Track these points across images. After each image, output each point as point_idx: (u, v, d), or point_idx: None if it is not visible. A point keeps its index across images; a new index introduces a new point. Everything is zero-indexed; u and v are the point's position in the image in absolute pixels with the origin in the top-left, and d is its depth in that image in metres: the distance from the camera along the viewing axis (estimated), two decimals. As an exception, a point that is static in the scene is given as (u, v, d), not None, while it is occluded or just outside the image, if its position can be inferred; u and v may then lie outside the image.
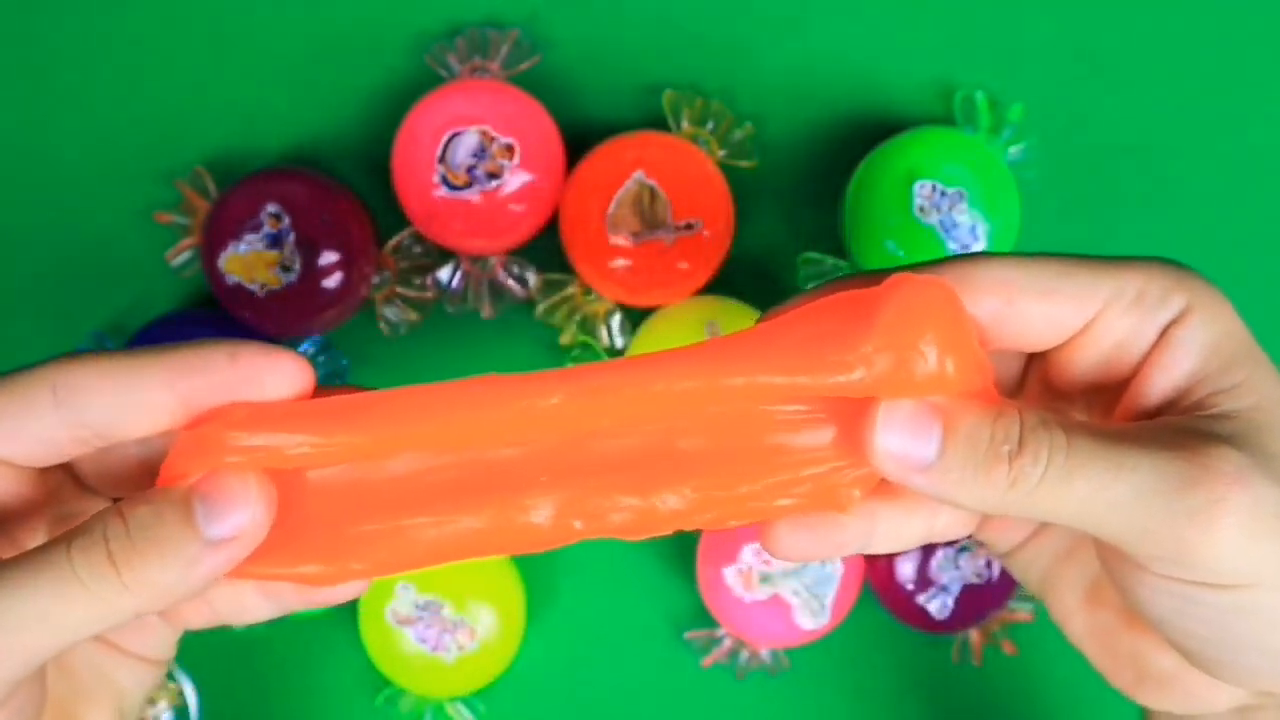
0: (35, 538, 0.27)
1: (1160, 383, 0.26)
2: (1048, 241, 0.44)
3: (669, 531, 0.26)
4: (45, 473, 0.26)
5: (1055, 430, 0.24)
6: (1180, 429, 0.25)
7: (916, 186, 0.41)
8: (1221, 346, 0.26)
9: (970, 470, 0.24)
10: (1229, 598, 0.24)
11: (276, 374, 0.24)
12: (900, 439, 0.24)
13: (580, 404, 0.25)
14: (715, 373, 0.25)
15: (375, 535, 0.25)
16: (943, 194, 0.41)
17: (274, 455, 0.24)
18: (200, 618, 0.29)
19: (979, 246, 0.41)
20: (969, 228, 0.41)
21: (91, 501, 0.28)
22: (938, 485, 0.25)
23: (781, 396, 0.25)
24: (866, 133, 0.44)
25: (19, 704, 0.24)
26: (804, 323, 0.25)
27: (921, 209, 0.41)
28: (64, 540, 0.23)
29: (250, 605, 0.28)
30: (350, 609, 0.44)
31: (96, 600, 0.23)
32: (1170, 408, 0.26)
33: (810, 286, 0.28)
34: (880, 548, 0.27)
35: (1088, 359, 0.26)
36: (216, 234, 0.42)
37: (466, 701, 0.44)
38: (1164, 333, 0.26)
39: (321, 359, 0.45)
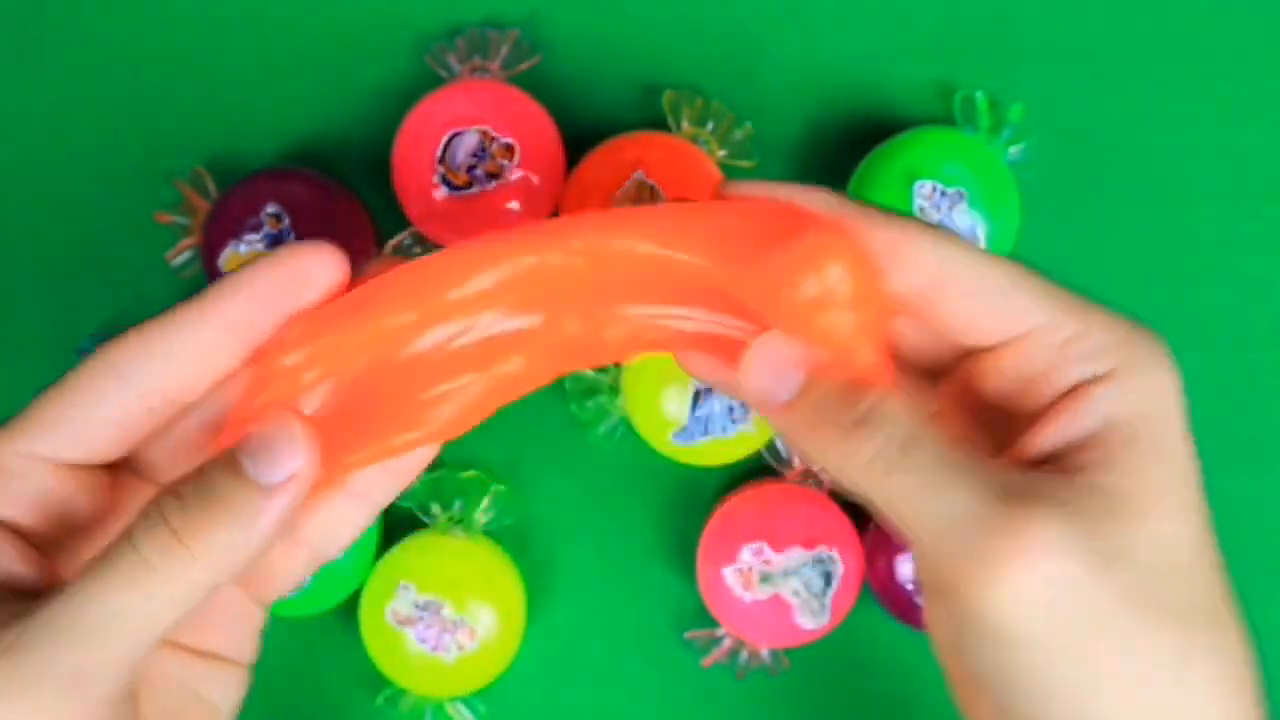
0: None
1: (1051, 435, 0.25)
2: (1047, 241, 0.44)
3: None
4: (115, 474, 0.25)
5: (902, 424, 0.24)
6: (1033, 485, 0.24)
7: (916, 186, 0.41)
8: (1131, 424, 0.25)
9: (811, 425, 0.25)
10: (990, 650, 0.24)
11: (321, 264, 0.25)
12: (765, 374, 0.26)
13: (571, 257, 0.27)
14: (668, 244, 0.27)
15: (439, 398, 0.26)
16: (943, 194, 0.41)
17: (326, 362, 0.25)
18: (295, 564, 0.28)
19: (979, 247, 0.41)
20: (969, 228, 0.41)
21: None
22: (784, 426, 0.26)
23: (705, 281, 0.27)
24: (866, 133, 0.44)
25: None
26: (746, 219, 0.27)
27: (921, 209, 0.41)
28: (125, 534, 0.23)
29: (342, 519, 0.27)
30: (350, 609, 0.44)
31: (170, 580, 0.22)
32: (1054, 461, 0.25)
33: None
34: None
35: (1001, 378, 0.26)
36: (216, 234, 0.42)
37: (466, 701, 0.44)
38: (1078, 386, 0.25)
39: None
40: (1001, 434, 0.27)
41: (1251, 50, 0.45)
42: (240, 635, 0.28)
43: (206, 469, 0.23)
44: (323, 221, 0.42)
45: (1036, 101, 0.44)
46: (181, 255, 0.44)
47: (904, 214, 0.27)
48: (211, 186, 0.44)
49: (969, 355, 0.28)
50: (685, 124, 0.43)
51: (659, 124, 0.44)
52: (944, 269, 0.25)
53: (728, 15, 0.45)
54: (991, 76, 0.44)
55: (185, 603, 0.23)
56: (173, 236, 0.45)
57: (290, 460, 0.23)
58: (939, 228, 0.26)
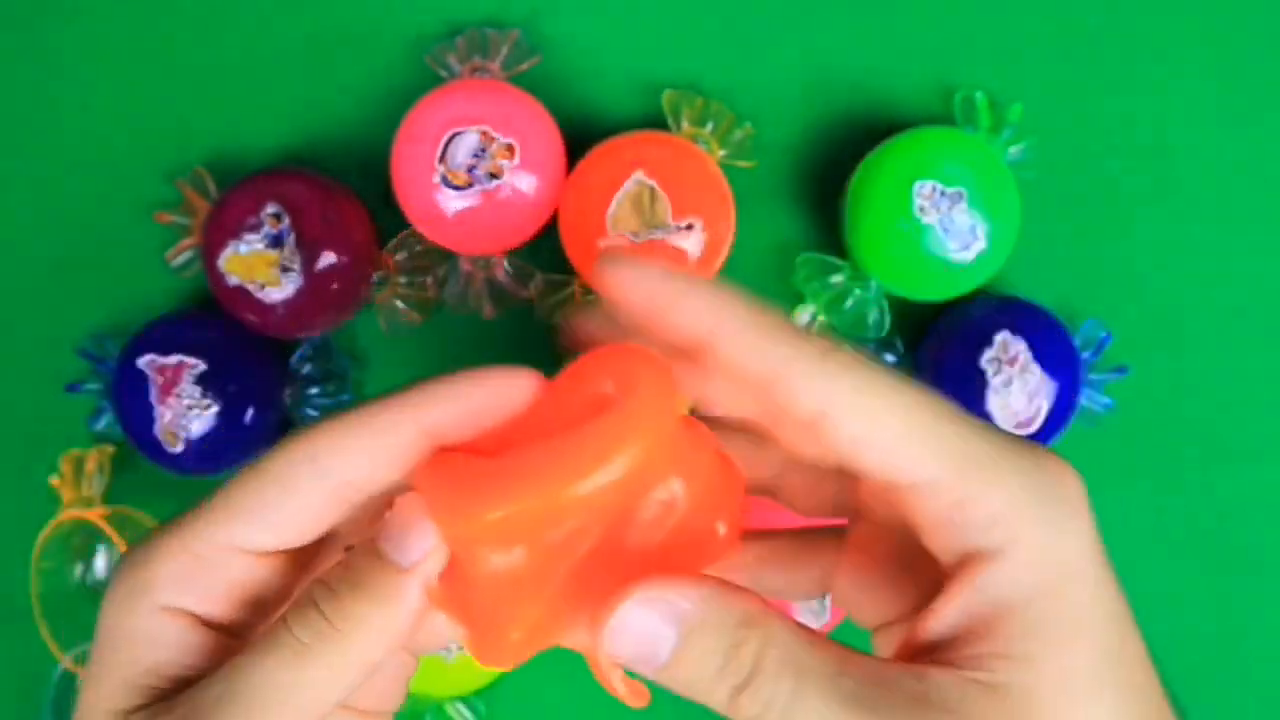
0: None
1: (942, 619, 0.24)
2: (1047, 241, 0.44)
3: None
4: (300, 550, 0.26)
5: (784, 677, 0.23)
6: (926, 698, 0.23)
7: (916, 186, 0.41)
8: (1025, 607, 0.23)
9: (695, 686, 0.24)
10: None
11: (517, 387, 0.25)
12: (632, 645, 0.24)
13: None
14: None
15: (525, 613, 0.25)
16: (943, 194, 0.41)
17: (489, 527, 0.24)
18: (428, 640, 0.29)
19: (979, 246, 0.41)
20: (969, 227, 0.41)
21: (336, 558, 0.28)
22: (663, 682, 0.25)
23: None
24: (866, 133, 0.44)
25: None
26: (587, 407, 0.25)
27: (921, 209, 0.41)
28: (281, 620, 0.23)
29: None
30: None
31: (323, 659, 0.23)
32: (950, 649, 0.24)
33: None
34: None
35: (907, 516, 0.25)
36: (217, 234, 0.42)
37: (466, 701, 0.44)
38: (970, 557, 0.24)
39: (321, 358, 0.45)
40: (913, 571, 0.26)
41: (1251, 51, 0.45)
42: (394, 688, 0.29)
43: (350, 557, 0.24)
44: (323, 221, 0.42)
45: (1036, 101, 0.44)
46: (181, 255, 0.44)
47: (806, 337, 0.24)
48: (211, 186, 0.44)
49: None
50: (685, 124, 0.43)
51: (659, 124, 0.44)
52: (828, 411, 0.23)
53: (728, 15, 0.45)
54: (991, 76, 0.44)
55: (343, 680, 0.24)
56: (173, 236, 0.45)
57: (424, 537, 0.24)
58: (847, 352, 0.24)
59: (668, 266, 0.25)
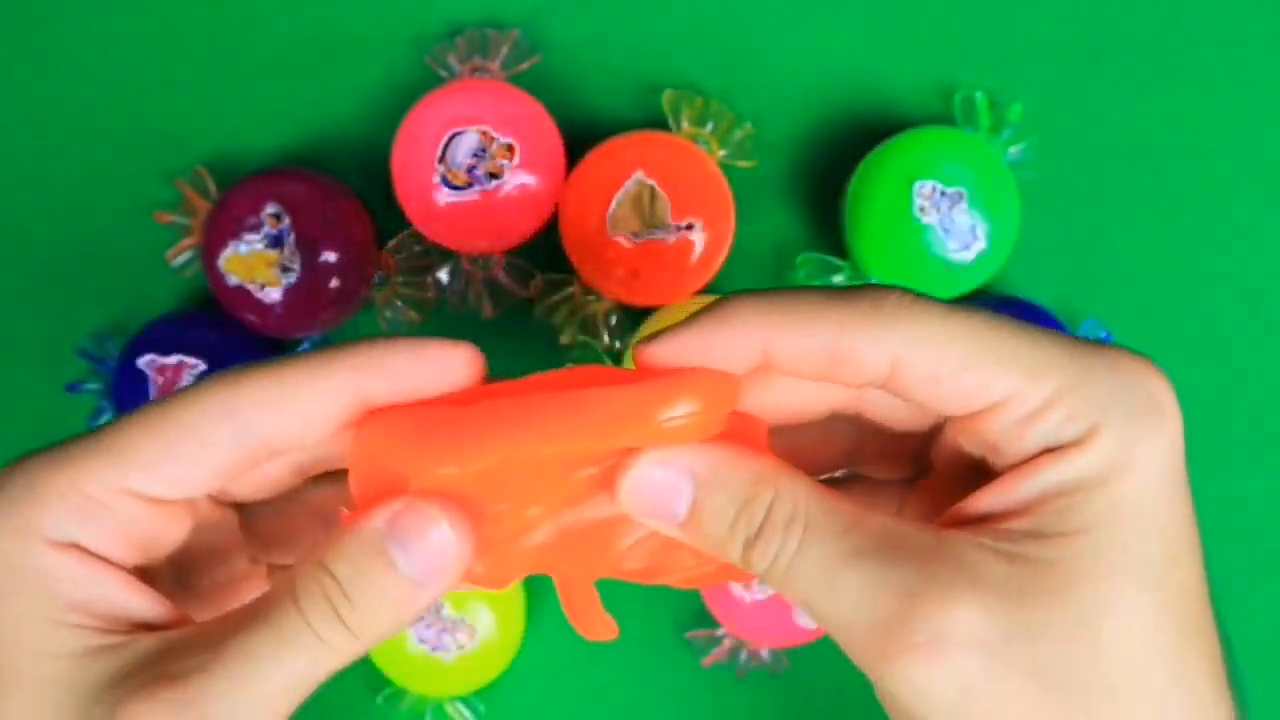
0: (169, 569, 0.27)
1: (990, 499, 0.24)
2: (1047, 241, 0.44)
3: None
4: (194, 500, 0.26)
5: (793, 530, 0.23)
6: (948, 554, 0.23)
7: (916, 186, 0.41)
8: (1081, 493, 0.23)
9: (713, 542, 0.24)
10: None
11: (455, 364, 0.24)
12: (648, 499, 0.24)
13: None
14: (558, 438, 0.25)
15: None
16: (943, 194, 0.41)
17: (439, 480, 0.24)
18: None
19: (979, 246, 0.41)
20: (969, 227, 0.41)
21: (224, 512, 0.28)
22: (687, 539, 0.25)
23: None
24: (866, 133, 0.44)
25: None
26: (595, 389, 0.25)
27: (921, 209, 0.41)
28: (289, 602, 0.23)
29: None
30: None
31: (335, 651, 0.23)
32: (980, 521, 0.24)
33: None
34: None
35: (975, 445, 0.25)
36: (217, 234, 0.42)
37: (466, 701, 0.44)
38: (1041, 454, 0.23)
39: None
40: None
41: (1251, 50, 0.45)
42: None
43: (359, 553, 0.23)
44: (323, 221, 0.42)
45: (1036, 101, 0.44)
46: (181, 255, 0.44)
47: (853, 294, 0.24)
48: (211, 186, 0.44)
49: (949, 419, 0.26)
50: (685, 124, 0.43)
51: (659, 124, 0.44)
52: (898, 360, 0.23)
53: (728, 15, 0.45)
54: (991, 76, 0.44)
55: (339, 668, 0.24)
56: (173, 236, 0.45)
57: (439, 557, 0.24)
58: (892, 301, 0.24)
59: (689, 323, 0.25)
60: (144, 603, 0.24)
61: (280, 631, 0.23)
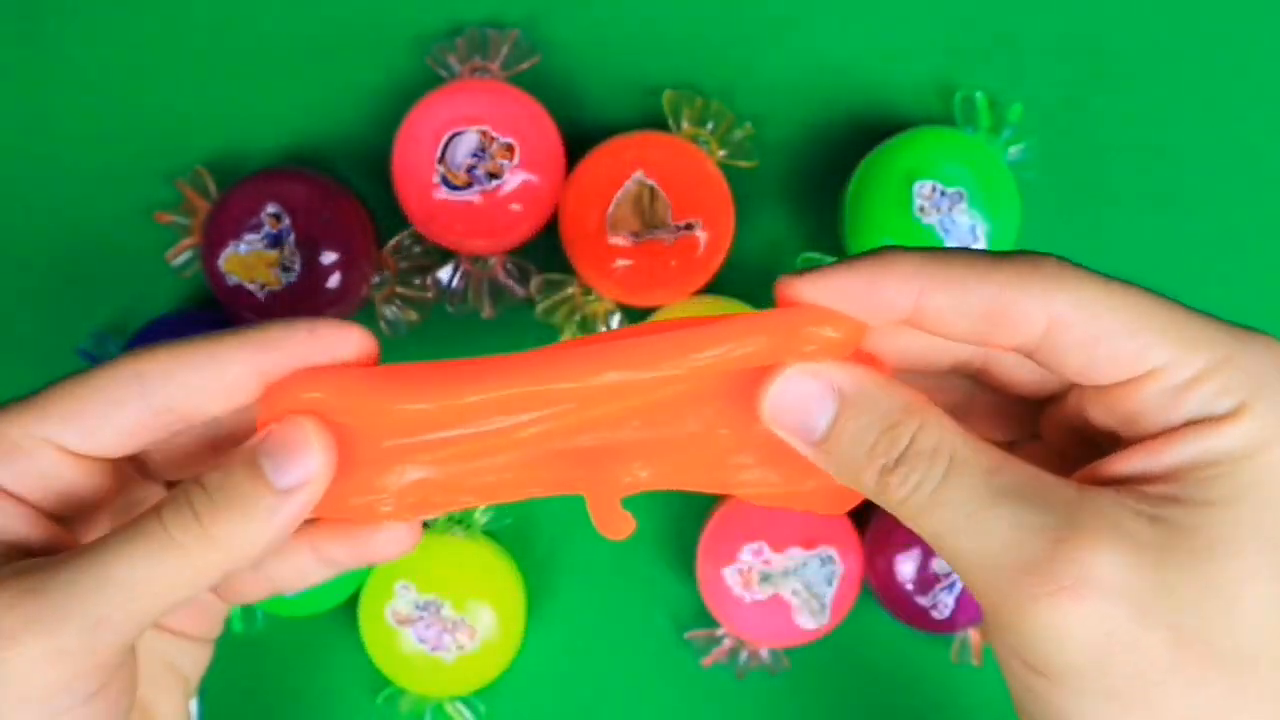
0: (102, 528, 0.28)
1: (1138, 461, 0.24)
2: (1047, 241, 0.44)
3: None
4: (116, 464, 0.27)
5: (937, 462, 0.23)
6: (1092, 506, 0.23)
7: (916, 186, 0.41)
8: (1229, 462, 0.23)
9: (846, 464, 0.25)
10: (1035, 685, 0.23)
11: (348, 343, 0.26)
12: (792, 411, 0.25)
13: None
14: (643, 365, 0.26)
15: (421, 484, 0.27)
16: (943, 194, 0.41)
17: (338, 409, 0.26)
18: (258, 589, 0.30)
19: (979, 246, 0.41)
20: (969, 228, 0.41)
21: (152, 489, 0.29)
22: (818, 460, 0.25)
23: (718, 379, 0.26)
24: (866, 133, 0.44)
25: (119, 688, 0.25)
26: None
27: (921, 209, 0.41)
28: (154, 511, 0.24)
29: (306, 570, 0.29)
30: (350, 609, 0.44)
31: (191, 560, 0.24)
32: (1132, 483, 0.24)
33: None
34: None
35: (1113, 414, 0.25)
36: (216, 234, 0.42)
37: (466, 701, 0.44)
38: (1190, 423, 0.23)
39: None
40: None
41: (1251, 50, 0.45)
42: (209, 619, 0.31)
43: (231, 464, 0.25)
44: (323, 221, 0.42)
45: (1036, 101, 0.44)
46: (181, 255, 0.44)
47: (1010, 256, 0.24)
48: (211, 186, 0.44)
49: (1080, 387, 0.26)
50: (685, 124, 0.43)
51: (659, 124, 0.44)
52: (1057, 321, 0.24)
53: (728, 15, 0.45)
54: (991, 76, 0.44)
55: (203, 581, 0.25)
56: (173, 236, 0.45)
57: (303, 466, 0.25)
58: (1051, 264, 0.24)
59: (846, 264, 0.25)
60: (40, 533, 0.25)
61: (136, 535, 0.24)
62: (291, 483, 0.25)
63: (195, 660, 0.31)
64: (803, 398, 0.25)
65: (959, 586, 0.42)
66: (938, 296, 0.24)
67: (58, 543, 0.26)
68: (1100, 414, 0.25)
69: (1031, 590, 0.22)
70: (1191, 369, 0.24)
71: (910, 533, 0.42)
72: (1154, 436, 0.24)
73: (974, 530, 0.23)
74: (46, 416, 0.25)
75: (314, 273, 0.42)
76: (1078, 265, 0.25)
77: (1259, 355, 0.24)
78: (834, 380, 0.25)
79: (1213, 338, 0.24)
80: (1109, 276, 0.25)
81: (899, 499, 0.24)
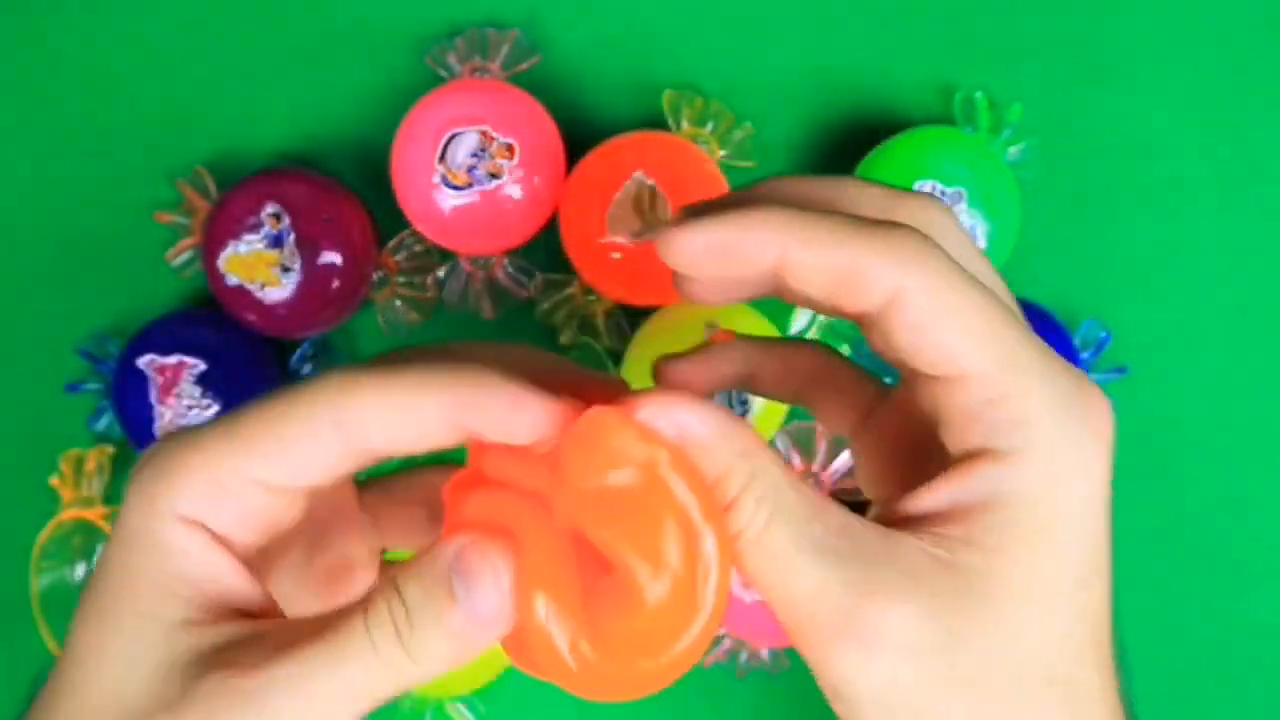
0: (295, 553, 0.28)
1: (933, 498, 0.25)
2: (1047, 240, 0.44)
3: None
4: (312, 490, 0.26)
5: (761, 511, 0.24)
6: (890, 554, 0.24)
7: (916, 186, 0.41)
8: (1016, 507, 0.24)
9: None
10: (848, 715, 0.25)
11: (536, 421, 0.25)
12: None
13: None
14: None
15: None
16: (943, 194, 0.41)
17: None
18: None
19: (979, 246, 0.41)
20: (969, 227, 0.41)
21: (344, 498, 0.29)
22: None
23: None
24: (866, 133, 0.44)
25: None
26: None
27: (921, 209, 0.41)
28: (359, 619, 0.24)
29: None
30: (350, 609, 0.44)
31: (392, 671, 0.24)
32: (930, 523, 0.25)
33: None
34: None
35: (932, 408, 0.26)
36: (217, 234, 0.42)
37: (466, 701, 0.44)
38: (982, 451, 0.24)
39: (321, 359, 0.45)
40: (922, 463, 0.27)
41: (1250, 50, 0.45)
42: None
43: (426, 579, 0.24)
44: (323, 221, 0.42)
45: (1036, 101, 0.44)
46: (182, 255, 0.44)
47: (876, 224, 0.25)
48: (211, 186, 0.44)
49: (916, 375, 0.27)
50: (685, 124, 0.43)
51: (659, 124, 0.44)
52: (899, 295, 0.24)
53: (728, 15, 0.45)
54: (991, 76, 0.44)
55: (398, 691, 0.24)
56: (173, 236, 0.45)
57: (490, 605, 0.24)
58: (913, 240, 0.24)
59: (719, 215, 0.25)
60: (246, 590, 0.25)
61: (344, 642, 0.23)
62: (485, 614, 0.24)
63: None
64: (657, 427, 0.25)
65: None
66: (801, 255, 0.24)
67: (256, 595, 0.25)
68: (922, 402, 0.26)
69: (830, 637, 0.24)
70: (996, 389, 0.24)
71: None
72: (954, 465, 0.25)
73: (787, 577, 0.24)
74: (251, 455, 0.24)
75: (314, 273, 0.42)
76: (941, 250, 0.24)
77: (1060, 394, 0.25)
78: (681, 420, 0.25)
79: (1028, 365, 0.24)
80: (967, 274, 0.25)
81: (732, 534, 0.25)
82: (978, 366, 0.24)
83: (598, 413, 0.24)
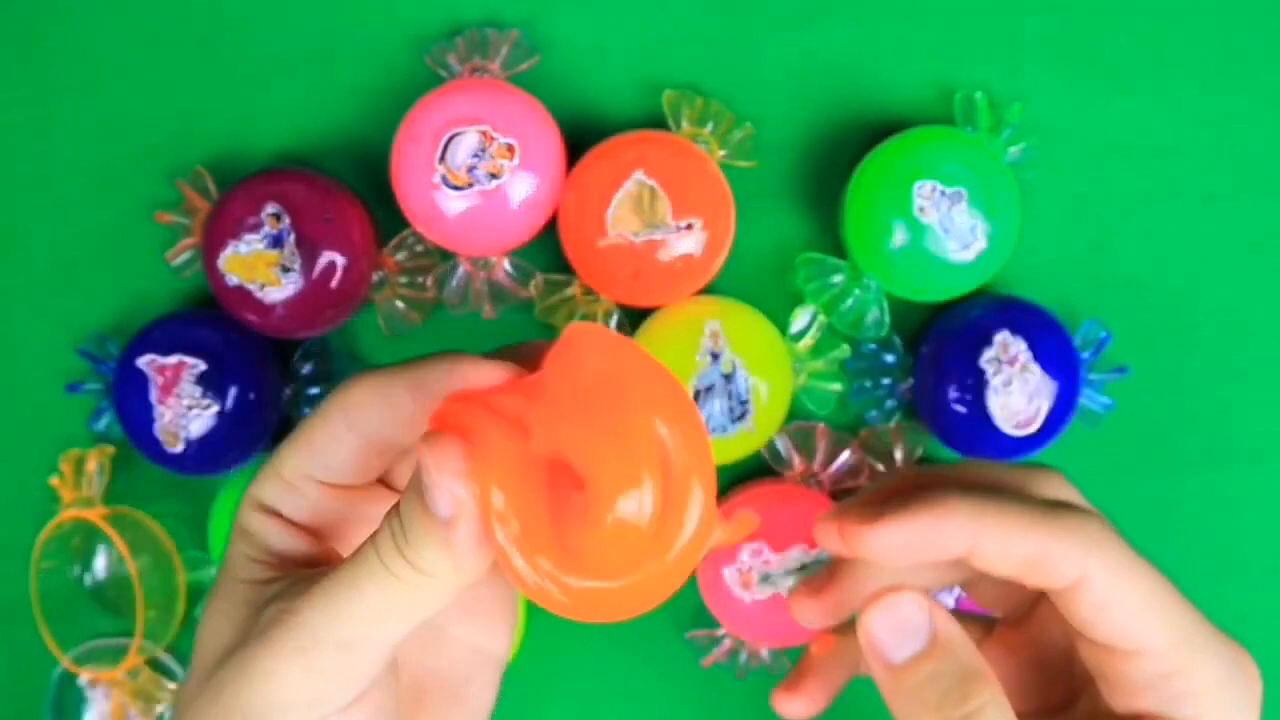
0: (359, 537, 0.30)
1: None
2: (1048, 241, 0.44)
3: None
4: (372, 488, 0.30)
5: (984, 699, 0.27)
6: None
7: (916, 186, 0.41)
8: None
9: (912, 696, 0.28)
10: None
11: (483, 375, 0.27)
12: (886, 628, 0.28)
13: None
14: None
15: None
16: (943, 194, 0.41)
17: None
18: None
19: (979, 246, 0.41)
20: (969, 227, 0.41)
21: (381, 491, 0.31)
22: (882, 682, 0.29)
23: None
24: (866, 133, 0.44)
25: (377, 697, 0.27)
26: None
27: (921, 209, 0.41)
28: (370, 541, 0.26)
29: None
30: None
31: (407, 588, 0.26)
32: None
33: None
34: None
35: (1090, 660, 0.29)
36: (216, 234, 0.42)
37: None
38: (1155, 716, 0.27)
39: (321, 358, 0.45)
40: (1056, 680, 0.30)
41: (1251, 51, 0.45)
42: (498, 603, 0.32)
43: (410, 493, 0.26)
44: (323, 221, 0.42)
45: (1036, 101, 0.44)
46: (181, 255, 0.44)
47: (1057, 513, 0.28)
48: (211, 186, 0.44)
49: (1048, 604, 0.30)
50: (685, 124, 0.43)
51: (659, 124, 0.44)
52: (1083, 579, 0.27)
53: (728, 15, 0.45)
54: (991, 76, 0.44)
55: (424, 609, 0.26)
56: (173, 236, 0.45)
57: (448, 496, 0.25)
58: (1094, 528, 0.27)
59: (904, 514, 0.28)
60: (311, 552, 0.29)
61: (358, 565, 0.26)
62: (444, 513, 0.25)
63: (500, 638, 0.32)
64: (904, 622, 0.28)
65: (958, 589, 0.42)
66: (990, 544, 0.27)
67: (324, 556, 0.29)
68: (1085, 650, 0.29)
69: None
70: (1170, 664, 0.27)
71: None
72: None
73: None
74: (298, 456, 0.28)
75: (314, 273, 0.42)
76: (1116, 532, 0.28)
77: (1229, 665, 0.28)
78: (937, 619, 0.28)
79: (1200, 643, 0.28)
80: (1138, 553, 0.28)
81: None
82: (1155, 644, 0.27)
83: (578, 324, 0.25)
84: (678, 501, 0.24)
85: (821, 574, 0.32)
